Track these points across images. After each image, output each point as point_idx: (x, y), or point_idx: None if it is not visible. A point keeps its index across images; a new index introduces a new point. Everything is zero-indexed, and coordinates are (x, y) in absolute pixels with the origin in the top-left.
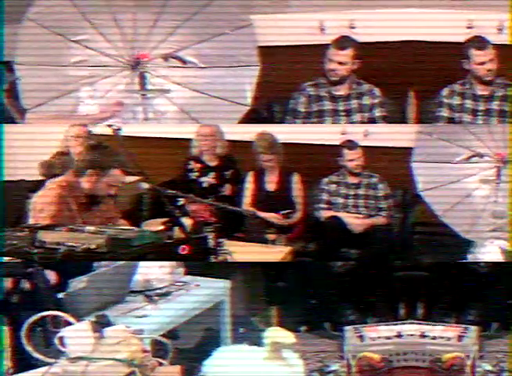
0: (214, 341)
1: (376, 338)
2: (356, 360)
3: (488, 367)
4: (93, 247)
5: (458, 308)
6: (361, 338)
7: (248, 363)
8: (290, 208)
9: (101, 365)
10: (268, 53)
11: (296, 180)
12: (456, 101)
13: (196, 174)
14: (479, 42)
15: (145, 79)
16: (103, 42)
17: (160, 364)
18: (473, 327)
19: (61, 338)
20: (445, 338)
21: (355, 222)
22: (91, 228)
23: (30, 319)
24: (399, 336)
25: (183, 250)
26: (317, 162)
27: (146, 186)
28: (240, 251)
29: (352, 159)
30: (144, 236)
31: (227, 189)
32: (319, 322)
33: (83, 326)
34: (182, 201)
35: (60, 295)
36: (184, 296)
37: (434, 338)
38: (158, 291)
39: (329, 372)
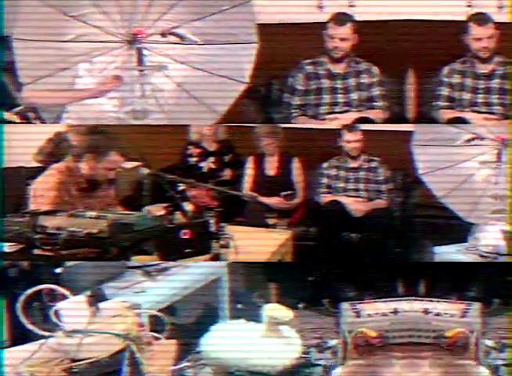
0: (213, 317)
1: (373, 314)
2: (352, 336)
3: (491, 344)
4: (95, 231)
5: (459, 285)
6: (357, 313)
7: (246, 338)
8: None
9: (96, 339)
10: (267, 31)
11: (296, 165)
12: (456, 79)
13: (196, 159)
14: (480, 18)
15: (142, 55)
16: (101, 18)
17: (157, 339)
18: (476, 303)
19: (57, 312)
20: (449, 314)
21: (355, 205)
22: (93, 213)
23: (27, 292)
24: (396, 312)
25: (185, 234)
26: (317, 147)
27: (146, 171)
28: (241, 235)
29: (350, 141)
30: (145, 220)
31: (227, 174)
32: (318, 299)
33: (79, 299)
34: (182, 186)
35: (58, 270)
36: (182, 271)
37: (437, 314)
38: (156, 267)
39: (327, 348)
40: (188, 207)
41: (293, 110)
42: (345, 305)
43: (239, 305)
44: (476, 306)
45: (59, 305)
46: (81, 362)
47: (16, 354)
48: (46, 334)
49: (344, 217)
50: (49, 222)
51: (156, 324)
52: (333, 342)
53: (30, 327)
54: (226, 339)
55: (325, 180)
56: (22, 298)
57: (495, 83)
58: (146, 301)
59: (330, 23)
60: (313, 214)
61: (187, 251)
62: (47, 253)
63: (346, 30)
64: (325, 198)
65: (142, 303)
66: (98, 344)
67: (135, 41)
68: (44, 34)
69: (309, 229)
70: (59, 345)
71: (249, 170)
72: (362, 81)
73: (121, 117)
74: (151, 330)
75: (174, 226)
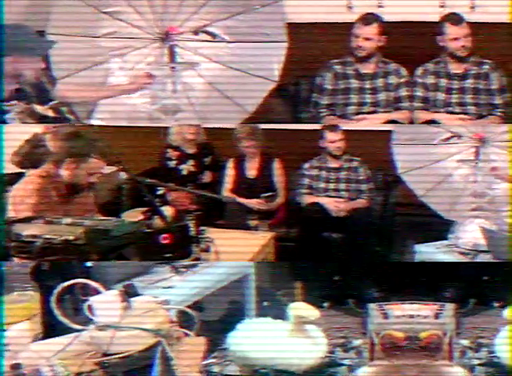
0: (239, 314)
1: (401, 315)
2: (380, 338)
3: (467, 343)
4: (71, 238)
5: (435, 285)
6: (385, 315)
7: (272, 336)
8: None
9: (128, 334)
10: (297, 30)
11: (277, 166)
12: (431, 80)
13: (175, 162)
14: (454, 18)
15: (174, 52)
16: (134, 14)
17: (186, 335)
18: (449, 304)
19: (90, 306)
20: (422, 315)
21: (336, 206)
22: (69, 220)
23: (60, 286)
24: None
25: (165, 239)
26: (298, 147)
27: (124, 176)
28: (222, 238)
29: (333, 141)
30: (123, 226)
31: (207, 177)
32: (343, 298)
33: (111, 295)
34: (161, 190)
35: (89, 264)
36: (210, 268)
37: (411, 316)
38: (185, 263)
39: (352, 348)
40: (167, 211)
41: (322, 110)
42: (372, 306)
43: (266, 303)
44: (449, 307)
45: (92, 299)
46: (113, 356)
47: (48, 346)
48: (79, 327)
49: (326, 217)
50: (24, 230)
51: (185, 320)
52: (357, 342)
53: (63, 320)
54: (252, 338)
55: (306, 181)
56: (56, 292)
57: (468, 83)
58: (174, 297)
59: (357, 23)
60: (294, 215)
61: (167, 255)
62: (24, 261)
63: (371, 29)
64: (306, 199)
65: (170, 299)
66: (129, 339)
67: (167, 38)
68: (77, 29)
69: (291, 229)
70: (92, 339)
71: (229, 172)
72: (390, 81)
73: (152, 114)
74: (180, 327)
75: (154, 231)
